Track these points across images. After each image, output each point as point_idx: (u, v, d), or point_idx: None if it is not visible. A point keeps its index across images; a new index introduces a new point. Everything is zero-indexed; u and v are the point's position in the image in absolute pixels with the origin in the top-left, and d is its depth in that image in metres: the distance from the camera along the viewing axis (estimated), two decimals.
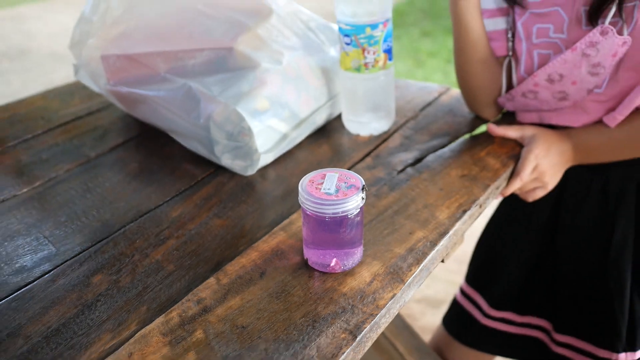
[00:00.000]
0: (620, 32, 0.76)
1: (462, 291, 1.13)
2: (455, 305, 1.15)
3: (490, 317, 1.07)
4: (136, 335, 0.57)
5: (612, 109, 0.83)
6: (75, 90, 1.18)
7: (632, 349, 0.92)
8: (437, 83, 1.12)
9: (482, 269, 1.10)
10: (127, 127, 1.01)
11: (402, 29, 4.37)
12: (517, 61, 0.89)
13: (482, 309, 1.08)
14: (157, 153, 0.91)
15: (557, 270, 0.98)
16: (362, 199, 0.61)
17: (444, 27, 4.30)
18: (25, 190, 0.83)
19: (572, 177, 0.92)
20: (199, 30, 0.88)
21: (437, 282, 1.90)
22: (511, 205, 1.03)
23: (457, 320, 1.14)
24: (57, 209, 0.78)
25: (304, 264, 0.65)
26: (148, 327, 0.58)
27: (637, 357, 0.93)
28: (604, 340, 0.94)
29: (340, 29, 0.83)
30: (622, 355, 0.92)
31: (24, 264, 0.68)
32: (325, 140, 0.91)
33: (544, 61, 0.85)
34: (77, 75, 1.00)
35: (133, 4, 0.93)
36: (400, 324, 1.20)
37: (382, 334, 1.16)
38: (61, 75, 3.86)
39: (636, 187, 0.90)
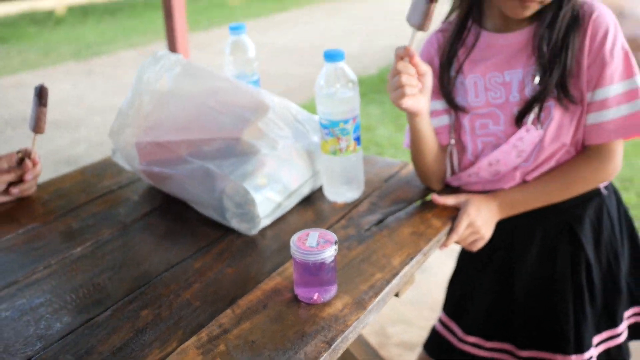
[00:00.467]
0: (542, 124, 1.07)
1: (441, 320, 1.37)
2: (434, 332, 1.39)
3: (464, 341, 1.31)
4: (177, 349, 0.81)
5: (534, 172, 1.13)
6: (106, 167, 1.44)
7: (580, 351, 1.18)
8: None
9: (455, 301, 1.35)
10: (153, 198, 1.27)
11: (385, 94, 4.69)
12: (465, 149, 1.17)
13: (457, 335, 1.32)
14: (179, 219, 1.17)
15: (514, 299, 1.23)
16: (335, 250, 0.87)
17: None
18: (79, 249, 1.08)
19: (520, 225, 1.19)
20: (213, 123, 1.16)
21: (413, 327, 2.13)
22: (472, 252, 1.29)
23: (437, 345, 1.38)
24: (107, 263, 1.03)
25: (295, 298, 0.90)
26: (185, 344, 0.82)
27: (585, 358, 1.18)
28: (558, 346, 1.18)
29: (320, 122, 1.11)
30: (574, 356, 1.17)
31: (90, 302, 0.92)
32: (310, 207, 1.18)
33: (485, 146, 1.14)
34: (114, 157, 1.27)
35: (161, 101, 1.21)
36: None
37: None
38: (64, 142, 4.13)
39: (568, 230, 1.17)
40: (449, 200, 1.14)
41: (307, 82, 5.13)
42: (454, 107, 1.16)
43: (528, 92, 1.09)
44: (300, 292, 0.89)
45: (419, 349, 1.85)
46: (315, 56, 5.89)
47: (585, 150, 1.12)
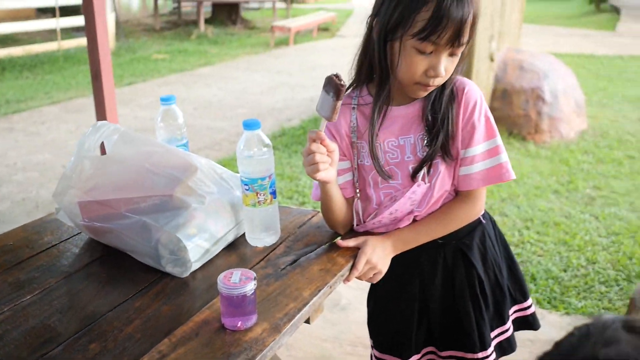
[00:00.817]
0: (430, 179, 1.33)
1: (376, 357, 1.54)
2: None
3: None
4: None
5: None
6: (45, 224, 1.58)
7: (484, 348, 1.43)
8: None
9: (383, 337, 1.52)
10: (93, 250, 1.42)
11: (304, 145, 4.93)
12: (369, 199, 1.41)
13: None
14: (119, 266, 1.33)
15: (431, 315, 1.45)
16: (254, 284, 1.07)
17: None
18: (28, 297, 1.22)
19: (425, 258, 1.43)
20: (148, 183, 1.34)
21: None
22: (385, 284, 1.47)
23: None
24: (55, 308, 1.18)
25: (222, 327, 1.09)
26: None
27: (489, 353, 1.43)
28: (467, 346, 1.43)
29: (241, 180, 1.32)
30: (480, 353, 1.42)
31: (42, 340, 1.07)
32: (234, 251, 1.38)
33: (386, 197, 1.38)
34: (57, 215, 1.42)
35: (100, 165, 1.39)
36: None
37: None
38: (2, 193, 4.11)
39: (462, 255, 1.43)
40: (350, 242, 1.37)
41: (231, 136, 5.33)
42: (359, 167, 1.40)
43: (419, 153, 1.34)
44: (227, 321, 1.08)
45: None
46: (239, 110, 6.12)
47: (458, 195, 1.39)
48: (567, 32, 11.49)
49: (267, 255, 1.36)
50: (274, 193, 1.34)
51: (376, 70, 1.31)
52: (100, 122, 1.39)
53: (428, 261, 1.45)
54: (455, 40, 1.18)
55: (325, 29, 12.15)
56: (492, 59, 4.84)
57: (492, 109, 4.13)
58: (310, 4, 17.86)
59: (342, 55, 9.29)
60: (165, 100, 1.52)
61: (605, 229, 3.41)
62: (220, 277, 1.08)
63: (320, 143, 1.24)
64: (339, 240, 1.38)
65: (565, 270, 2.99)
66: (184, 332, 1.07)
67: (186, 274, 1.27)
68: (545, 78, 5.02)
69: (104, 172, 1.38)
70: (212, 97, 6.66)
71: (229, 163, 4.35)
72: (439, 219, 1.39)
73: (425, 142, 1.33)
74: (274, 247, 1.39)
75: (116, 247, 1.38)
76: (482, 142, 1.34)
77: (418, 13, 1.17)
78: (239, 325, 1.07)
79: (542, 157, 4.64)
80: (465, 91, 1.32)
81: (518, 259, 2.55)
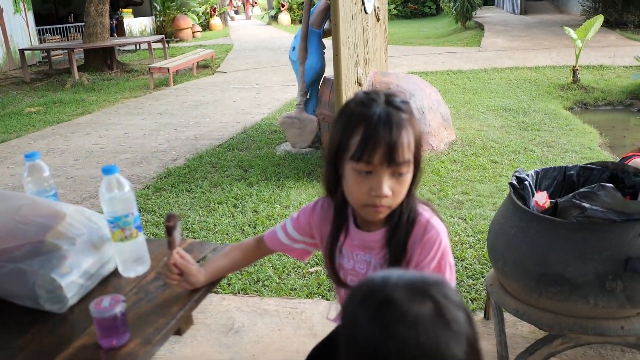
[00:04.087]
0: None
1: None
2: None
3: None
4: None
5: None
6: None
7: None
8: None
9: None
10: None
11: (193, 183, 5.00)
12: (340, 297, 1.49)
13: None
14: (2, 312, 1.45)
15: None
16: (123, 306, 1.24)
17: (231, 178, 5.06)
18: None
19: None
20: (20, 232, 1.47)
21: None
22: None
23: None
24: None
25: (99, 347, 1.25)
26: None
27: None
28: None
29: (107, 219, 1.49)
30: None
31: None
32: (109, 283, 1.54)
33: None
34: None
35: None
36: None
37: None
38: None
39: None
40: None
41: None
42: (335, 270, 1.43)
43: None
44: (103, 342, 1.25)
45: None
46: (122, 156, 6.13)
47: None
48: (437, 51, 12.39)
49: (139, 283, 1.53)
50: (139, 227, 1.52)
51: (331, 193, 1.37)
52: None
53: None
54: (390, 160, 1.20)
55: (205, 66, 12.31)
56: (360, 84, 5.25)
57: None
58: (189, 41, 17.98)
59: (223, 91, 9.51)
60: (30, 156, 1.65)
61: (472, 229, 3.81)
62: (92, 304, 1.24)
63: (170, 267, 1.44)
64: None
65: None
66: (64, 357, 1.22)
67: (65, 309, 1.41)
68: (412, 97, 5.46)
69: None
70: (92, 146, 6.61)
71: None
72: None
73: (386, 266, 1.36)
74: (145, 276, 1.56)
75: None
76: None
77: (352, 137, 1.22)
78: (114, 343, 1.24)
79: None
80: (426, 238, 1.31)
81: None
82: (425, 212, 1.35)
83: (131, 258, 1.53)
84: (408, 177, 1.27)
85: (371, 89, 1.29)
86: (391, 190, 1.24)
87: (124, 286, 1.52)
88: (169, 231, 1.42)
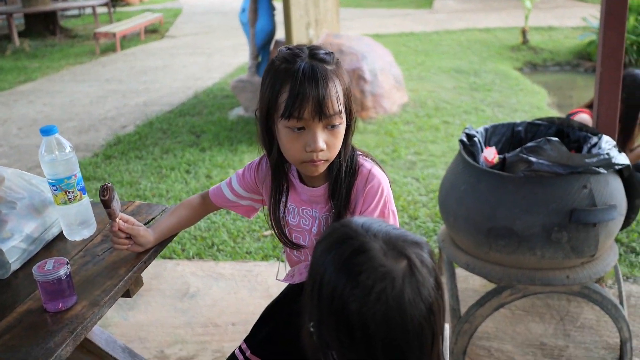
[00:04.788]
0: None
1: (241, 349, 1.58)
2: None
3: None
4: None
5: None
6: None
7: None
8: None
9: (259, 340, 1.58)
10: None
11: (144, 149, 4.88)
12: (289, 255, 1.48)
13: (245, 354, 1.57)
14: None
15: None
16: (68, 269, 1.21)
17: (183, 143, 4.96)
18: None
19: None
20: None
21: (188, 345, 2.48)
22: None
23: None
24: None
25: (45, 311, 1.21)
26: None
27: None
28: None
29: (48, 182, 1.44)
30: None
31: None
32: (54, 248, 1.49)
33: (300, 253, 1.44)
34: None
35: None
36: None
37: None
38: None
39: None
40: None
41: None
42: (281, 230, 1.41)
43: (323, 230, 1.36)
44: (48, 305, 1.21)
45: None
46: (69, 124, 5.93)
47: None
48: (389, 13, 12.33)
49: (86, 246, 1.48)
50: (82, 189, 1.47)
51: (268, 152, 1.35)
52: None
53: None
54: (320, 114, 1.19)
55: (153, 31, 11.92)
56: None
57: None
58: (135, 5, 17.34)
59: (172, 56, 9.25)
60: None
61: (424, 188, 3.87)
62: (35, 267, 1.20)
63: (116, 233, 1.38)
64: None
65: None
66: (8, 323, 1.18)
67: (7, 275, 1.36)
68: (364, 59, 5.45)
69: None
70: (37, 115, 6.36)
71: None
72: None
73: (331, 220, 1.36)
74: (91, 239, 1.52)
75: None
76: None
77: (280, 95, 1.21)
78: (60, 307, 1.21)
79: (369, 131, 5.06)
80: (368, 187, 1.32)
81: None
82: (366, 163, 1.35)
83: (76, 221, 1.48)
84: (342, 129, 1.26)
85: (295, 44, 1.24)
86: (326, 144, 1.23)
87: (70, 250, 1.47)
88: (106, 204, 1.34)
